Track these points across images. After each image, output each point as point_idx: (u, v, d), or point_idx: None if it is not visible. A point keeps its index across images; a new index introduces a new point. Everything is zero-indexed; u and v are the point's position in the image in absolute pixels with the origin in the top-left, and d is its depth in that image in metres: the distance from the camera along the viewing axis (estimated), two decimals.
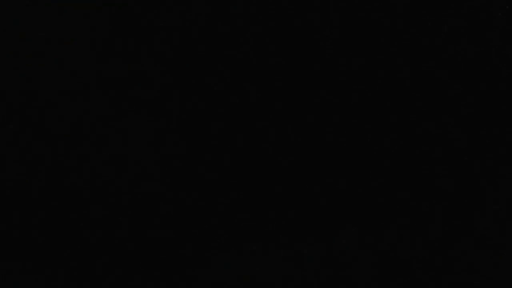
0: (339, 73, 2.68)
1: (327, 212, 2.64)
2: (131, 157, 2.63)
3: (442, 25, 2.67)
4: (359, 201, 2.65)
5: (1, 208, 2.59)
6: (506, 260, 2.57)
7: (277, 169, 2.65)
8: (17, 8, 2.66)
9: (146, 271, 2.58)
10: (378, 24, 2.68)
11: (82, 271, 2.58)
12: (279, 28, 2.68)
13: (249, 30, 2.68)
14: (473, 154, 2.64)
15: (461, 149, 2.65)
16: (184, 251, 2.59)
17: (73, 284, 2.57)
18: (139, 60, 2.66)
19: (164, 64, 2.67)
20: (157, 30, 2.67)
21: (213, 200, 2.62)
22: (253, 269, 2.57)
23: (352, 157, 2.67)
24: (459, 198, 2.63)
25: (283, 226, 2.62)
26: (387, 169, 2.65)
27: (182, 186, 2.62)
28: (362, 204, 2.65)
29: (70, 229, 2.60)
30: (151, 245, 2.60)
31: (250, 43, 2.68)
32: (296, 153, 2.67)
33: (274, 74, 2.68)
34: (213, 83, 2.68)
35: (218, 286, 2.57)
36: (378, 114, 2.67)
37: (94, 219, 2.60)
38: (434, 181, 2.64)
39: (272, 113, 2.67)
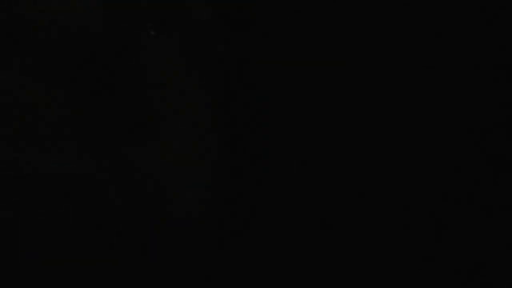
0: (339, 73, 2.69)
1: None
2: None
3: (443, 25, 2.67)
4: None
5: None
6: (506, 260, 2.59)
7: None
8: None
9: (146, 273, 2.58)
10: (378, 23, 2.69)
11: (81, 271, 2.58)
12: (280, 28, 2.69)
13: (249, 29, 2.69)
14: (473, 154, 2.65)
15: (462, 148, 2.66)
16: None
17: (75, 284, 2.57)
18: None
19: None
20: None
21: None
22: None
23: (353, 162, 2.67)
24: (459, 198, 2.64)
25: None
26: (386, 169, 2.66)
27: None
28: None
29: (69, 230, 2.60)
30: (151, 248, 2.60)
31: (251, 43, 2.69)
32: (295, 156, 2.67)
33: (274, 74, 2.69)
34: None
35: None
36: (377, 114, 2.68)
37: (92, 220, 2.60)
38: (434, 181, 2.65)
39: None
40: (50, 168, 2.27)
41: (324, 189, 2.67)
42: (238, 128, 2.35)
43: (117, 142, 2.17)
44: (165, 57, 2.20)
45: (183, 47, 2.16)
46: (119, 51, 2.22)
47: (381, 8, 2.71)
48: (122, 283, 2.47)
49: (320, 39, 2.71)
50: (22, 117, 2.26)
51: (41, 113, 2.21)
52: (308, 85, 2.70)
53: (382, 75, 2.71)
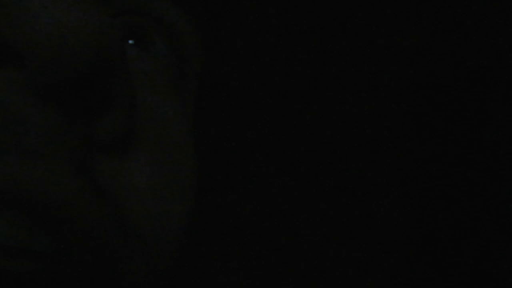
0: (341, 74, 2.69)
1: None
2: None
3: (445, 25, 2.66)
4: None
5: None
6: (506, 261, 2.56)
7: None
8: None
9: None
10: (379, 24, 2.67)
11: None
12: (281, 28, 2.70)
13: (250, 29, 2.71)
14: (474, 153, 2.63)
15: (462, 148, 2.64)
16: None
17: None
18: None
19: None
20: None
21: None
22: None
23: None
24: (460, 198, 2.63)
25: None
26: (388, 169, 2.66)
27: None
28: None
29: None
30: None
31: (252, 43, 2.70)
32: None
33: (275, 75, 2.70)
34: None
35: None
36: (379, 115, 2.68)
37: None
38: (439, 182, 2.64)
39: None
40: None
41: (319, 188, 2.68)
42: (222, 139, 2.37)
43: (90, 156, 2.22)
44: (145, 68, 2.22)
45: (164, 57, 2.18)
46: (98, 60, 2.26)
47: (379, 8, 2.70)
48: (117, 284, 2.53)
49: (312, 40, 2.71)
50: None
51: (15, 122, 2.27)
52: (300, 87, 2.70)
53: (379, 76, 2.70)
